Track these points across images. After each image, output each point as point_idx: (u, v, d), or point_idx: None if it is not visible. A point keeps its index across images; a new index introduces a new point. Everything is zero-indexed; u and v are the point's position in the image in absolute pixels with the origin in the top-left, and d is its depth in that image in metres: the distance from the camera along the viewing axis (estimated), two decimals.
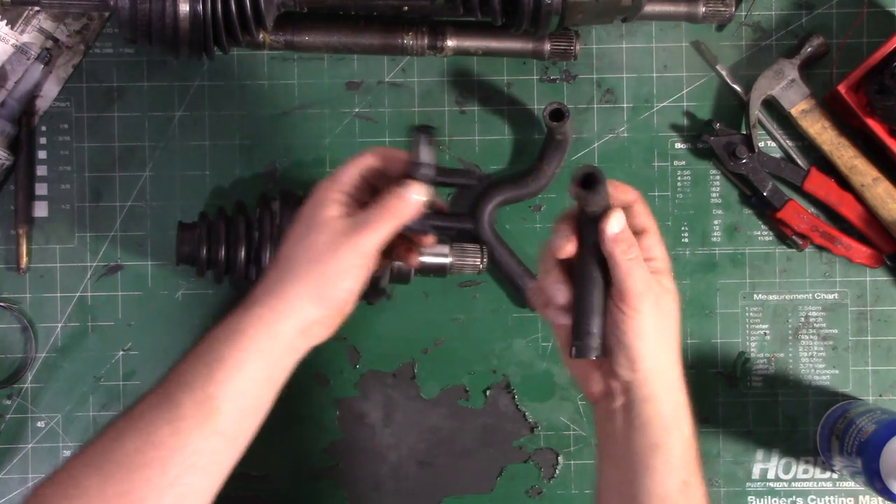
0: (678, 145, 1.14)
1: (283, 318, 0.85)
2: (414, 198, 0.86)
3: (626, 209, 0.85)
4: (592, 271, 0.85)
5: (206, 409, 0.83)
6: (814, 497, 1.14)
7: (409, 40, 1.10)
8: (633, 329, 0.83)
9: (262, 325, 0.85)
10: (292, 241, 0.88)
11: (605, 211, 0.83)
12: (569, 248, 0.85)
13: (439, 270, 1.09)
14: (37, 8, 1.10)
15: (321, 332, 0.88)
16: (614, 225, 0.83)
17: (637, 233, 0.85)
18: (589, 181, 0.81)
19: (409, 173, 0.87)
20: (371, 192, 0.89)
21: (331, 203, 0.87)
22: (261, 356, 0.85)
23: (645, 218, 0.86)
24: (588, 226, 0.85)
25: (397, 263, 1.01)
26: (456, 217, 0.91)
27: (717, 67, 1.13)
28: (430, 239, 0.91)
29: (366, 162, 0.89)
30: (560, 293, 0.86)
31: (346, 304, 0.87)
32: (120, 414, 0.85)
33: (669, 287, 0.86)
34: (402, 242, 0.92)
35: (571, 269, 0.86)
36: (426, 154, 0.88)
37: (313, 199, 0.88)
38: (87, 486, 0.82)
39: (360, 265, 0.86)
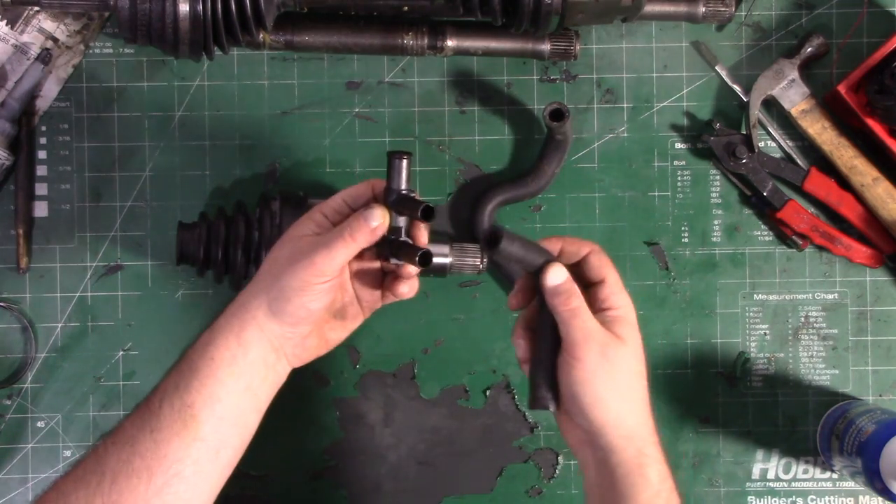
0: (678, 145, 1.14)
1: (247, 328, 0.87)
2: (373, 222, 0.87)
3: (582, 261, 0.88)
4: (544, 325, 0.88)
5: (185, 416, 0.85)
6: (814, 497, 1.14)
7: (409, 40, 1.10)
8: (577, 379, 0.85)
9: (231, 335, 0.87)
10: (266, 258, 0.90)
11: (545, 265, 0.86)
12: (515, 302, 0.91)
13: (439, 270, 1.09)
14: (37, 8, 1.10)
15: (295, 352, 0.90)
16: (551, 277, 0.86)
17: (593, 283, 0.87)
18: (493, 239, 0.84)
19: (384, 199, 0.88)
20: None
21: (307, 222, 0.89)
22: (233, 365, 0.87)
23: (602, 268, 0.88)
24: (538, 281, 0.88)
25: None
26: (410, 248, 0.90)
27: (717, 67, 1.13)
28: (411, 269, 0.91)
29: (357, 191, 0.90)
30: (520, 349, 0.91)
31: (306, 322, 0.88)
32: (106, 433, 0.87)
33: (625, 335, 0.86)
34: (389, 273, 0.93)
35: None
36: (397, 179, 0.88)
37: (298, 221, 0.90)
38: (76, 500, 0.83)
39: (317, 284, 0.86)
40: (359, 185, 0.91)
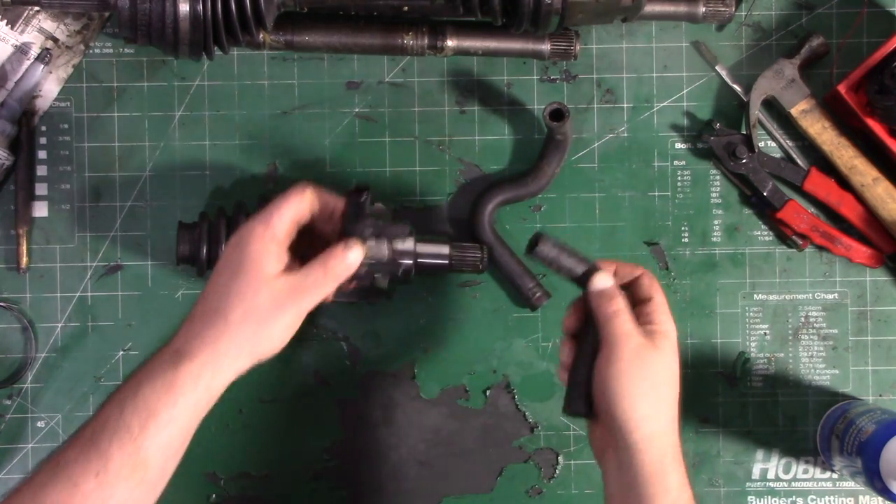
0: (678, 145, 1.14)
1: (219, 374, 0.86)
2: (353, 258, 0.89)
3: (633, 282, 0.93)
4: (587, 333, 0.92)
5: (135, 461, 0.83)
6: (814, 497, 1.14)
7: (409, 40, 1.10)
8: (609, 374, 0.88)
9: (199, 382, 0.85)
10: (226, 294, 0.87)
11: (592, 271, 0.92)
12: (568, 323, 0.94)
13: (439, 270, 1.09)
14: (37, 8, 1.10)
15: (242, 374, 0.90)
16: (596, 282, 0.91)
17: (641, 300, 0.92)
18: (533, 243, 0.92)
19: (345, 231, 0.90)
20: (302, 235, 0.91)
21: (268, 258, 0.88)
22: (193, 409, 0.86)
23: (651, 288, 0.92)
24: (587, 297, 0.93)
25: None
26: (384, 265, 0.94)
27: (717, 67, 1.13)
28: (351, 284, 0.93)
29: (299, 206, 0.90)
30: (563, 355, 0.94)
31: (273, 355, 0.89)
32: (45, 461, 0.85)
33: (661, 346, 0.89)
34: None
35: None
36: (363, 213, 0.90)
37: (248, 251, 0.88)
38: None
39: (297, 323, 0.88)
40: (296, 196, 0.90)
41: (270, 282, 0.87)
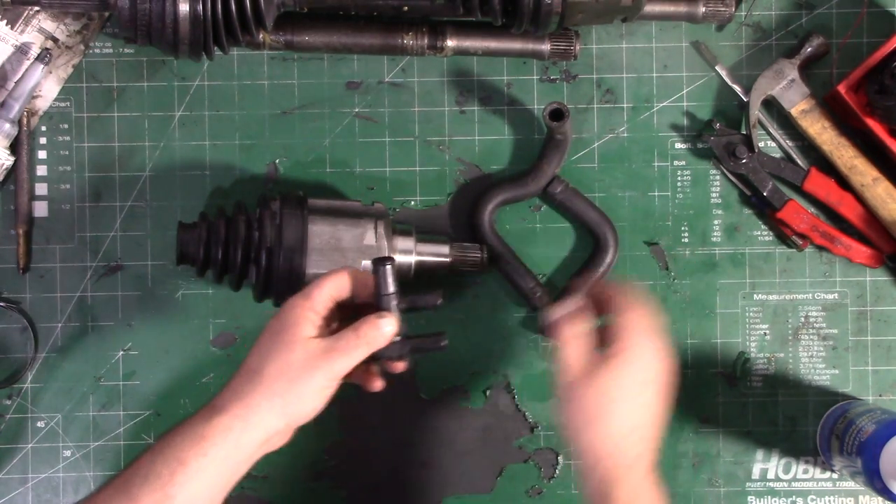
0: (678, 145, 1.14)
1: (249, 429, 0.88)
2: (387, 328, 0.91)
3: (608, 300, 0.95)
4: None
5: None
6: (814, 497, 1.14)
7: (409, 40, 1.10)
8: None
9: (229, 434, 0.87)
10: (264, 355, 0.90)
11: (545, 304, 1.05)
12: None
13: (439, 270, 1.09)
14: (37, 8, 1.10)
15: (279, 442, 0.92)
16: (552, 314, 0.96)
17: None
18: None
19: (377, 304, 0.91)
20: (338, 311, 0.93)
21: (306, 323, 0.90)
22: (223, 463, 0.87)
23: (618, 309, 0.94)
24: None
25: None
26: (426, 340, 0.95)
27: (717, 67, 1.13)
28: (400, 365, 0.95)
29: (339, 284, 0.93)
30: None
31: (307, 419, 0.91)
32: (78, 502, 0.87)
33: (597, 374, 0.91)
34: (365, 366, 0.94)
35: None
36: (391, 285, 0.92)
37: (288, 317, 0.91)
38: None
39: (329, 386, 0.90)
40: (337, 276, 0.93)
41: (305, 342, 0.90)
